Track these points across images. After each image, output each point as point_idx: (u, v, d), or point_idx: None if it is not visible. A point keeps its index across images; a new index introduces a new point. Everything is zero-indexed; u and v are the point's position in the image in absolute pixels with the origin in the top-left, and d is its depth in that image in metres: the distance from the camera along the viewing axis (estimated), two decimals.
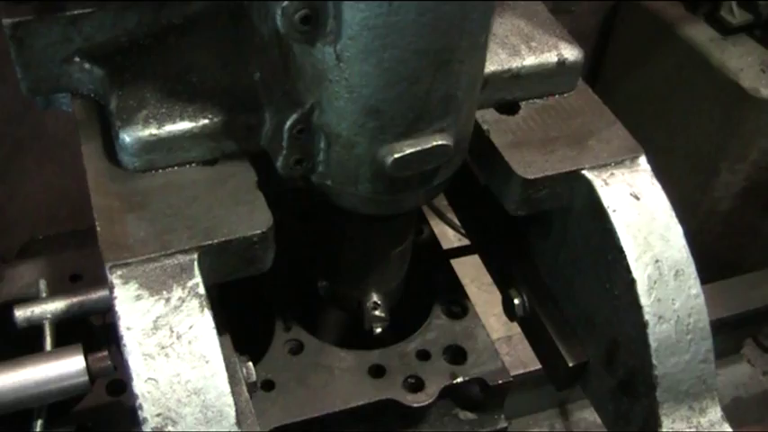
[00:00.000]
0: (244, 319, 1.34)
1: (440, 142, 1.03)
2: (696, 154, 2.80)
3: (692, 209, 2.81)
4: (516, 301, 1.33)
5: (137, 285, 1.00)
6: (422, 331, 1.36)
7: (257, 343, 1.34)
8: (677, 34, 2.74)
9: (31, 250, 1.79)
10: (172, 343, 0.98)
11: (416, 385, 1.29)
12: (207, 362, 0.98)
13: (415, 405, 1.27)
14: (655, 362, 1.13)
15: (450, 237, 2.42)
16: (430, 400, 1.27)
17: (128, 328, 0.97)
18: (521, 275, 1.34)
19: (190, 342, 0.98)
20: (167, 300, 0.99)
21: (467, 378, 1.31)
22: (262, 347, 1.34)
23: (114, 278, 1.00)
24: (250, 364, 1.20)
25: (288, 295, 1.42)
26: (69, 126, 2.24)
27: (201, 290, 1.00)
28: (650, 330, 1.13)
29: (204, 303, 1.00)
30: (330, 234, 1.25)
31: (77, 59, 1.14)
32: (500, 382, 1.31)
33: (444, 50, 0.95)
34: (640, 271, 1.13)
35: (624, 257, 1.13)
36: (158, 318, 0.98)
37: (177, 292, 1.00)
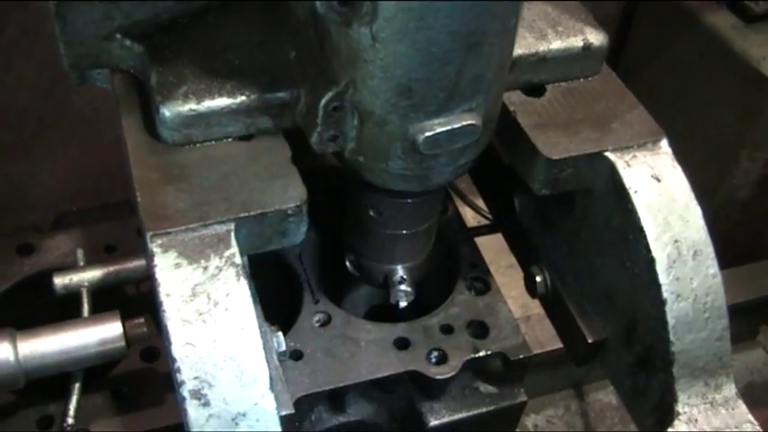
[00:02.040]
0: (274, 292, 1.39)
1: (469, 122, 1.07)
2: (716, 141, 2.81)
3: (710, 195, 2.81)
4: (538, 279, 1.37)
5: (176, 254, 1.04)
6: (445, 306, 1.40)
7: (287, 315, 1.38)
8: (699, 21, 2.74)
9: (63, 222, 1.83)
10: (209, 309, 1.02)
11: (440, 358, 1.33)
12: (242, 328, 1.02)
13: (439, 377, 1.30)
14: (672, 338, 1.17)
15: (469, 218, 2.45)
16: (453, 373, 1.31)
17: (167, 295, 1.02)
18: (543, 254, 1.38)
19: (226, 309, 1.02)
20: (205, 268, 1.04)
21: (488, 352, 1.34)
22: (291, 319, 1.38)
23: (154, 247, 1.04)
24: (280, 333, 1.24)
25: (317, 269, 1.46)
26: (94, 104, 2.30)
27: (238, 259, 1.05)
28: (668, 308, 1.16)
29: (240, 272, 1.04)
30: (359, 210, 1.29)
31: (118, 36, 1.18)
32: (521, 356, 1.35)
33: (475, 33, 0.98)
34: (660, 250, 1.16)
35: (644, 237, 1.17)
36: (196, 285, 1.03)
37: (215, 261, 1.04)
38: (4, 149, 2.45)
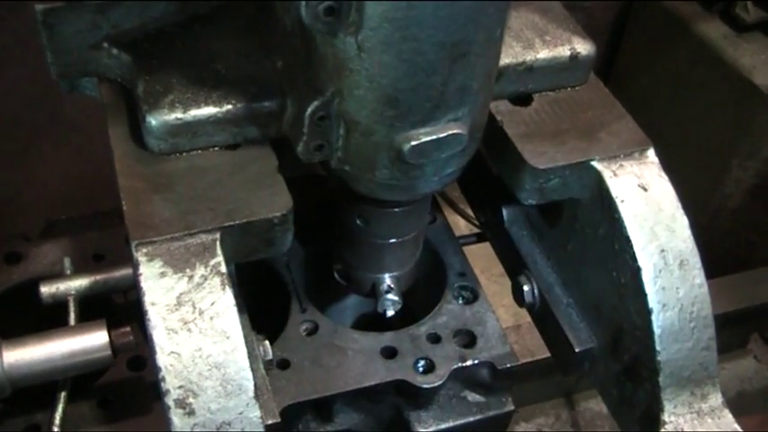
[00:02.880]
0: (261, 301, 1.39)
1: (455, 131, 1.07)
2: (707, 150, 2.82)
3: (701, 205, 2.82)
4: (525, 288, 1.37)
5: (161, 263, 1.04)
6: (433, 315, 1.40)
7: (274, 324, 1.38)
8: (691, 31, 2.76)
9: (53, 230, 1.83)
10: (194, 318, 1.02)
11: (427, 367, 1.33)
12: (227, 337, 1.02)
13: (426, 386, 1.30)
14: (658, 348, 1.17)
15: (461, 226, 2.46)
16: (440, 382, 1.31)
17: (152, 304, 1.02)
18: (531, 263, 1.38)
19: (211, 318, 1.02)
20: (190, 277, 1.04)
21: (476, 361, 1.34)
22: (278, 328, 1.38)
23: (140, 256, 1.04)
24: (267, 342, 1.24)
25: (304, 278, 1.46)
26: (86, 111, 2.30)
27: (223, 268, 1.05)
28: (654, 317, 1.16)
29: (226, 281, 1.04)
30: (345, 219, 1.29)
31: (106, 45, 1.19)
32: (508, 365, 1.35)
33: (461, 43, 0.99)
34: (646, 260, 1.17)
35: (631, 246, 1.17)
36: (182, 294, 1.03)
37: (200, 270, 1.04)
38: None
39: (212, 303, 1.03)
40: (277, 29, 1.14)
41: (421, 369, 1.33)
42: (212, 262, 1.05)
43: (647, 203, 1.19)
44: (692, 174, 2.82)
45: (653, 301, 1.16)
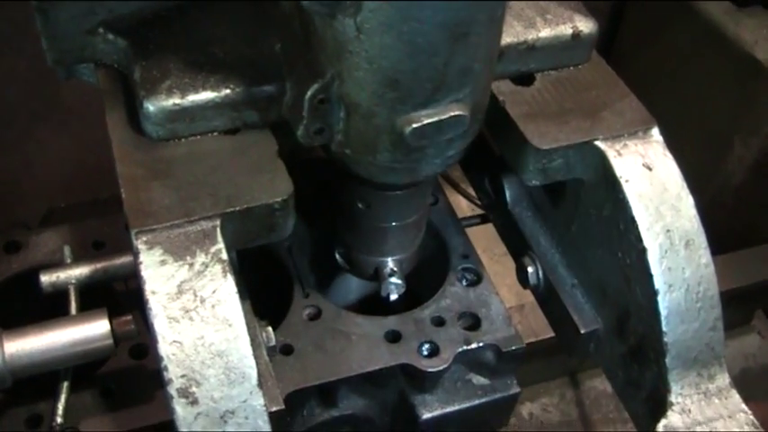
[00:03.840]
0: (263, 286, 1.38)
1: (456, 113, 1.05)
2: (709, 127, 2.80)
3: (704, 182, 2.80)
4: (530, 270, 1.36)
5: (161, 251, 1.03)
6: (437, 298, 1.39)
7: (276, 309, 1.37)
8: (692, 6, 2.73)
9: (53, 218, 1.82)
10: (196, 307, 1.01)
11: (432, 350, 1.32)
12: (230, 325, 1.01)
13: (431, 370, 1.29)
14: (665, 329, 1.16)
15: (463, 207, 2.45)
16: (445, 365, 1.30)
17: (153, 293, 1.01)
18: (534, 244, 1.37)
19: (213, 306, 1.01)
20: (191, 265, 1.02)
21: (480, 344, 1.33)
22: (280, 313, 1.37)
23: (139, 244, 1.03)
24: (269, 328, 1.23)
25: (307, 262, 1.44)
26: (85, 98, 2.28)
27: (224, 255, 1.03)
28: (660, 298, 1.15)
29: (227, 268, 1.03)
30: (347, 203, 1.28)
31: (101, 31, 1.17)
32: (513, 348, 1.34)
33: (462, 24, 0.97)
34: (651, 240, 1.15)
35: (636, 227, 1.16)
36: (182, 282, 1.02)
37: (201, 258, 1.03)
38: None
39: (214, 291, 1.02)
40: (275, 11, 1.13)
41: (425, 353, 1.32)
42: (213, 249, 1.04)
43: (652, 183, 1.18)
44: (694, 151, 2.80)
45: (659, 282, 1.15)
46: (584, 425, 2.53)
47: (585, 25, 1.26)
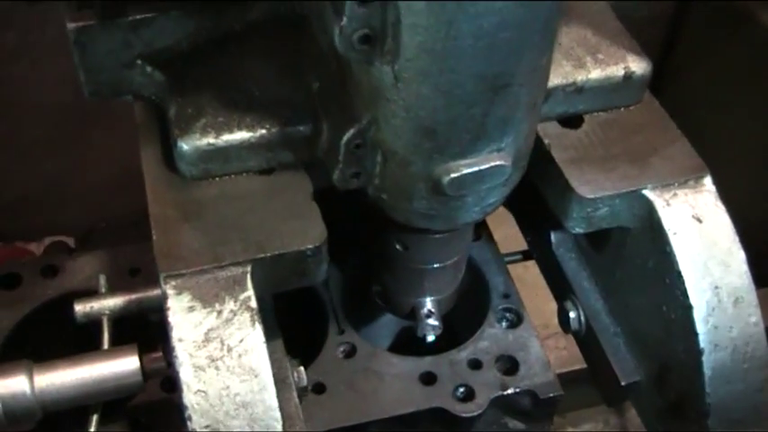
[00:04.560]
0: (297, 319, 1.36)
1: (497, 162, 1.01)
2: (764, 152, 2.71)
3: (753, 208, 2.72)
4: (572, 315, 1.32)
5: (190, 297, 1.01)
6: (474, 339, 1.36)
7: (310, 343, 1.35)
8: (753, 19, 2.64)
9: (92, 238, 1.81)
10: (222, 356, 0.99)
11: (467, 394, 1.29)
12: (256, 376, 0.99)
13: (464, 415, 1.26)
14: (708, 390, 1.11)
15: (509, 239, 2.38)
16: (479, 411, 1.27)
17: (180, 340, 0.99)
18: (578, 289, 1.33)
19: (240, 355, 0.99)
20: (219, 312, 1.00)
21: (517, 389, 1.30)
22: (314, 348, 1.34)
23: (168, 288, 1.01)
24: (302, 368, 1.21)
25: (343, 295, 1.42)
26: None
27: (253, 303, 1.01)
28: (705, 358, 1.11)
29: (255, 317, 1.01)
30: (384, 243, 1.25)
31: (139, 63, 1.15)
32: (551, 395, 1.30)
33: (503, 75, 0.93)
34: (698, 297, 1.11)
35: (682, 282, 1.11)
36: (210, 330, 1.00)
37: (229, 305, 1.01)
38: (41, 146, 2.45)
39: (241, 340, 1.00)
40: (313, 49, 1.10)
41: (460, 396, 1.29)
42: (242, 296, 1.01)
43: (701, 236, 1.13)
44: (746, 173, 2.72)
45: (704, 341, 1.10)
46: None
47: (639, 66, 1.21)
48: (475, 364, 1.32)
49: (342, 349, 1.34)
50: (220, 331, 1.00)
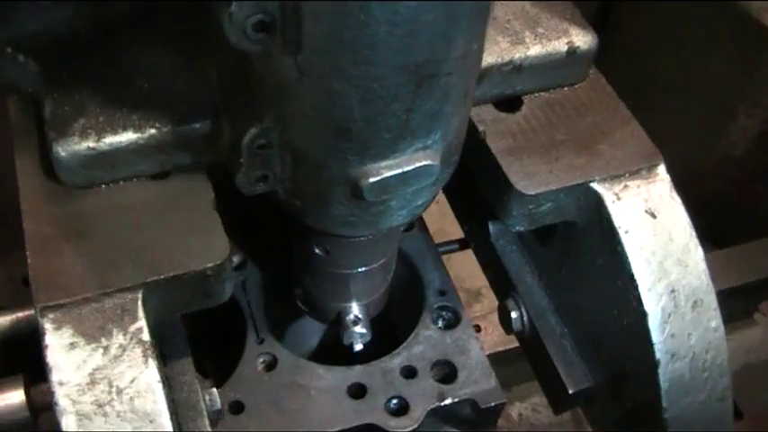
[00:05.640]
0: (209, 327, 1.22)
1: (423, 162, 0.88)
2: (713, 96, 2.63)
3: (706, 152, 2.66)
4: (513, 315, 1.20)
5: (71, 331, 0.87)
6: (408, 344, 1.23)
7: (227, 357, 1.22)
8: None
9: None
10: (111, 400, 0.85)
11: (400, 407, 1.17)
12: (151, 421, 0.85)
13: (399, 431, 1.14)
14: (665, 404, 1.01)
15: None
16: (414, 425, 1.15)
17: (60, 384, 0.85)
18: (520, 286, 1.21)
19: (132, 398, 0.85)
20: (106, 348, 0.86)
21: (456, 399, 1.18)
22: (231, 360, 1.21)
23: (46, 323, 0.87)
24: (214, 390, 1.08)
25: (262, 299, 1.28)
26: None
27: (145, 335, 0.87)
28: (661, 370, 1.00)
29: (149, 351, 0.87)
30: (304, 247, 1.11)
31: (9, 50, 0.98)
32: (492, 404, 1.18)
33: (427, 64, 0.79)
34: (653, 303, 0.99)
35: (636, 287, 1.00)
36: (96, 370, 0.86)
37: (118, 339, 0.87)
38: None
39: (132, 380, 0.86)
40: (212, 32, 0.94)
41: (393, 409, 1.17)
42: (132, 328, 0.87)
43: (656, 234, 1.01)
44: (696, 120, 2.64)
45: (660, 351, 1.00)
46: (575, 425, 2.39)
47: (583, 40, 1.08)
48: (409, 373, 1.20)
49: (261, 360, 1.21)
50: (108, 371, 0.86)
